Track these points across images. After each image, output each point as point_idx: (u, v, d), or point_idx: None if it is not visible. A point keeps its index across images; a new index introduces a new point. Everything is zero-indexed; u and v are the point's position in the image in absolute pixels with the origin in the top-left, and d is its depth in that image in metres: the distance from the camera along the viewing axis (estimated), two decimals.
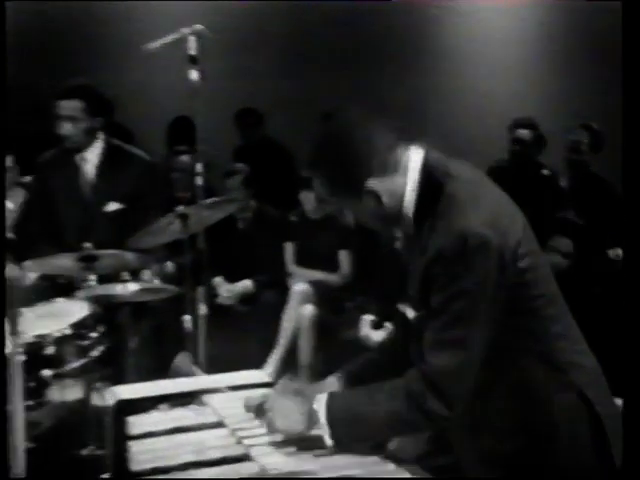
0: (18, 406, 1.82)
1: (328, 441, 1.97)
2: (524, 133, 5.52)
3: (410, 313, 2.08)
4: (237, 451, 1.97)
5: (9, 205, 1.81)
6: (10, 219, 2.12)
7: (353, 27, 7.33)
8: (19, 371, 1.79)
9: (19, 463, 1.85)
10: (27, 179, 6.10)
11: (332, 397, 2.03)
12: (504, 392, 2.01)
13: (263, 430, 2.07)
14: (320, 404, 2.00)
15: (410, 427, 2.02)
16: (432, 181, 2.02)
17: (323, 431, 1.98)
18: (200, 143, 4.17)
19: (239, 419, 2.15)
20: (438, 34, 7.54)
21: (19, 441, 1.83)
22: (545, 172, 5.55)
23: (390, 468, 1.91)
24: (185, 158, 5.76)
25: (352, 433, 1.98)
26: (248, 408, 2.17)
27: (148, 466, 1.90)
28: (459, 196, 1.99)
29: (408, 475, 1.88)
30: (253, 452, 1.97)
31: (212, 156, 6.39)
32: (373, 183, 2.00)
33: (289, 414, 2.02)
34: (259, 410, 2.12)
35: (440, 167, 2.05)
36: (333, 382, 2.19)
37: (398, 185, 2.02)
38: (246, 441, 2.02)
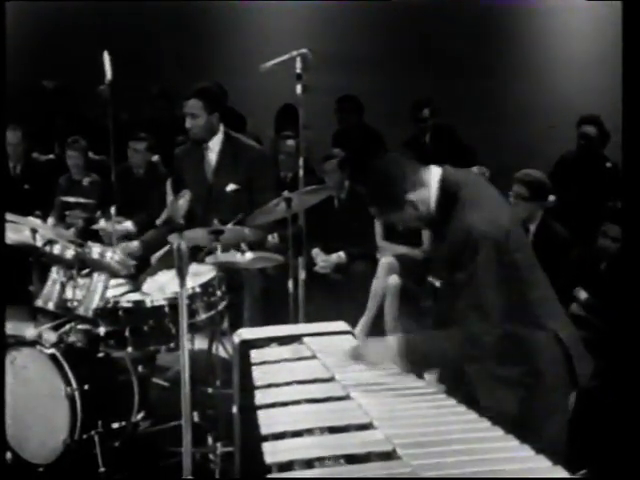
0: (185, 342, 2.58)
1: (404, 368, 2.73)
2: (589, 129, 5.85)
3: (437, 283, 2.89)
4: (325, 374, 2.75)
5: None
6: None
7: (427, 30, 7.73)
8: (185, 313, 2.54)
9: (186, 381, 2.55)
10: (155, 158, 6.98)
11: (406, 338, 2.81)
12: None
13: (346, 363, 2.83)
14: (398, 342, 2.78)
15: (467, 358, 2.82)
16: (448, 190, 2.82)
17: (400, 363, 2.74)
18: (303, 129, 4.60)
19: (326, 355, 2.91)
20: (507, 34, 7.76)
21: (186, 363, 2.55)
22: (608, 165, 5.84)
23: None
24: (290, 142, 6.27)
25: (423, 363, 2.84)
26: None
27: (265, 382, 2.69)
28: (465, 200, 2.78)
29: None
30: (337, 376, 2.72)
31: (313, 141, 7.08)
32: (410, 196, 2.82)
33: (379, 352, 2.81)
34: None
35: (452, 179, 2.84)
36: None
37: (425, 195, 2.84)
38: (332, 369, 2.77)
